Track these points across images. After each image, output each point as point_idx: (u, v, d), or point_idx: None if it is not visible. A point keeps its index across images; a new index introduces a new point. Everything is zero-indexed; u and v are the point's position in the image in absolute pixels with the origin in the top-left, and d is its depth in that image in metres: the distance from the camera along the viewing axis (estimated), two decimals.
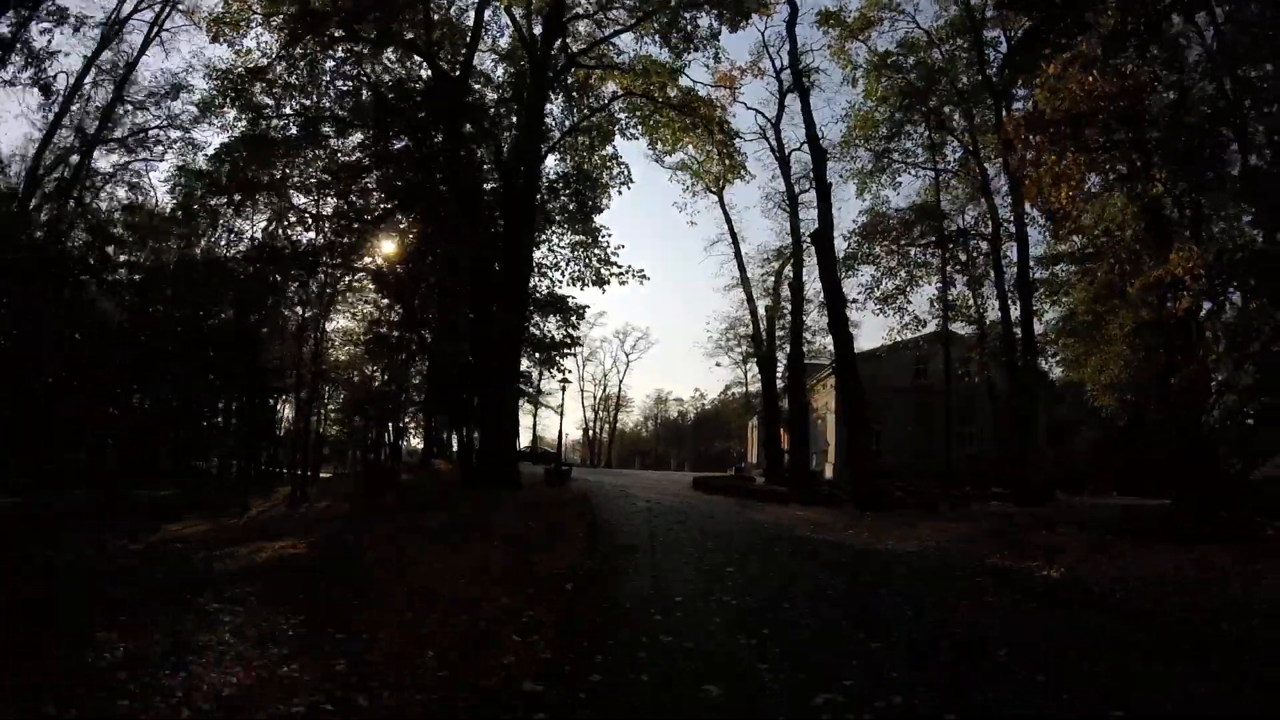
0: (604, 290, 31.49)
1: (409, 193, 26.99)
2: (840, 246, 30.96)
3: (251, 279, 34.59)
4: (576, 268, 31.27)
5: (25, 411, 31.91)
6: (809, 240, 32.09)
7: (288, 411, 59.55)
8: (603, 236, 31.15)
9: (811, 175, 32.02)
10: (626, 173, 31.59)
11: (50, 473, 33.40)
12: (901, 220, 31.91)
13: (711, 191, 41.63)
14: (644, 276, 31.42)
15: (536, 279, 30.94)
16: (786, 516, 20.09)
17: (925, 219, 31.71)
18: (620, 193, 31.85)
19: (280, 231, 30.33)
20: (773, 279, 41.67)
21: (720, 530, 16.28)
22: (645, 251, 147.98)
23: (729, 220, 41.77)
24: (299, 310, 40.60)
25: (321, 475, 55.64)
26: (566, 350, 33.08)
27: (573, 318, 32.31)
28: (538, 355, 33.38)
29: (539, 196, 29.46)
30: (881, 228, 32.00)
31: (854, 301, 35.83)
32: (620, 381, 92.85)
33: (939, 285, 32.25)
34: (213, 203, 32.45)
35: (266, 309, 42.81)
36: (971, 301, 31.80)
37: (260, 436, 54.77)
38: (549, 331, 31.85)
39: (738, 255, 41.42)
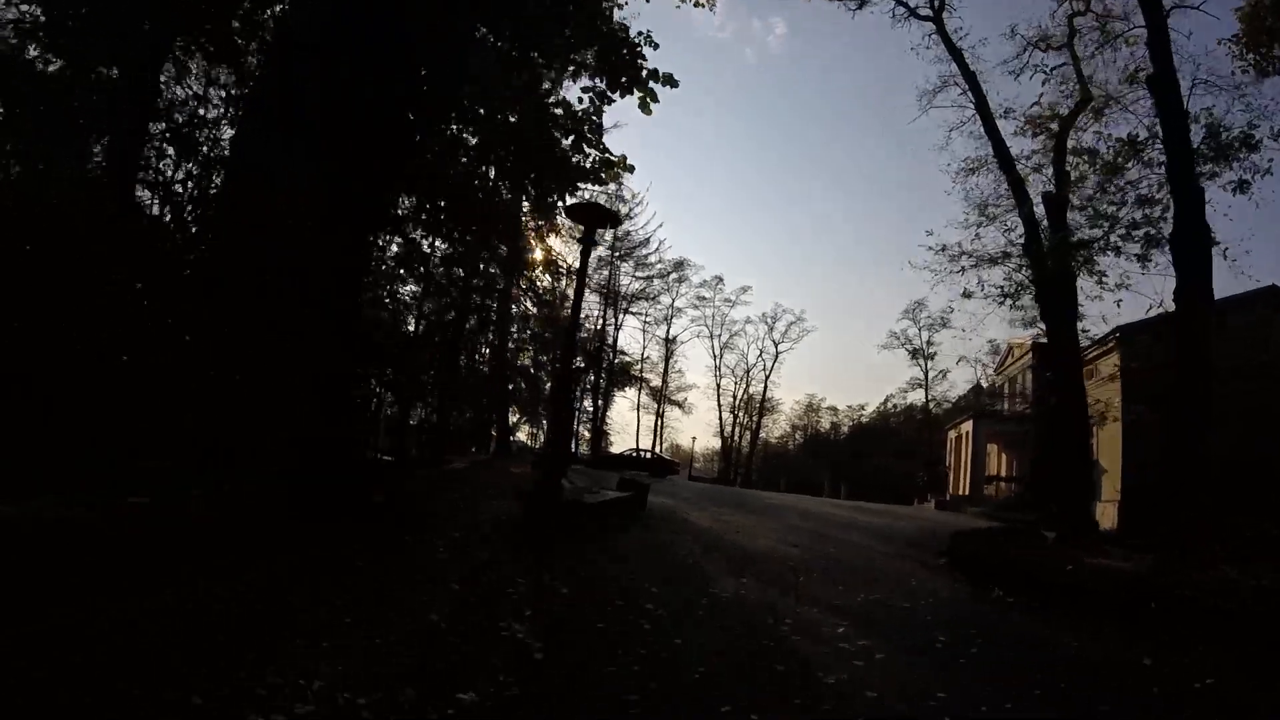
0: None
1: None
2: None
3: None
4: None
5: None
6: None
7: None
8: None
9: None
10: None
11: None
12: None
13: (922, 15, 22.56)
14: None
15: None
16: None
17: None
18: None
19: None
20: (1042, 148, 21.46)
21: None
22: (791, 243, 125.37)
23: (958, 56, 22.31)
24: None
25: None
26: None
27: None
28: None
29: None
30: None
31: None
32: (766, 378, 72.20)
33: None
34: None
35: None
36: None
37: None
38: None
39: (981, 107, 21.50)
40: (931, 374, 66.37)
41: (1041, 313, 20.38)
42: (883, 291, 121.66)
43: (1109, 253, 19.99)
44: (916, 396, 70.15)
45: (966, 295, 21.10)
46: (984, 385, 67.35)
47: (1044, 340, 36.08)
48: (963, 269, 22.25)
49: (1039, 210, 20.24)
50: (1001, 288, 21.61)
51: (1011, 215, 21.24)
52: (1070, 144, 21.13)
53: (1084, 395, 20.05)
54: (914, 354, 63.07)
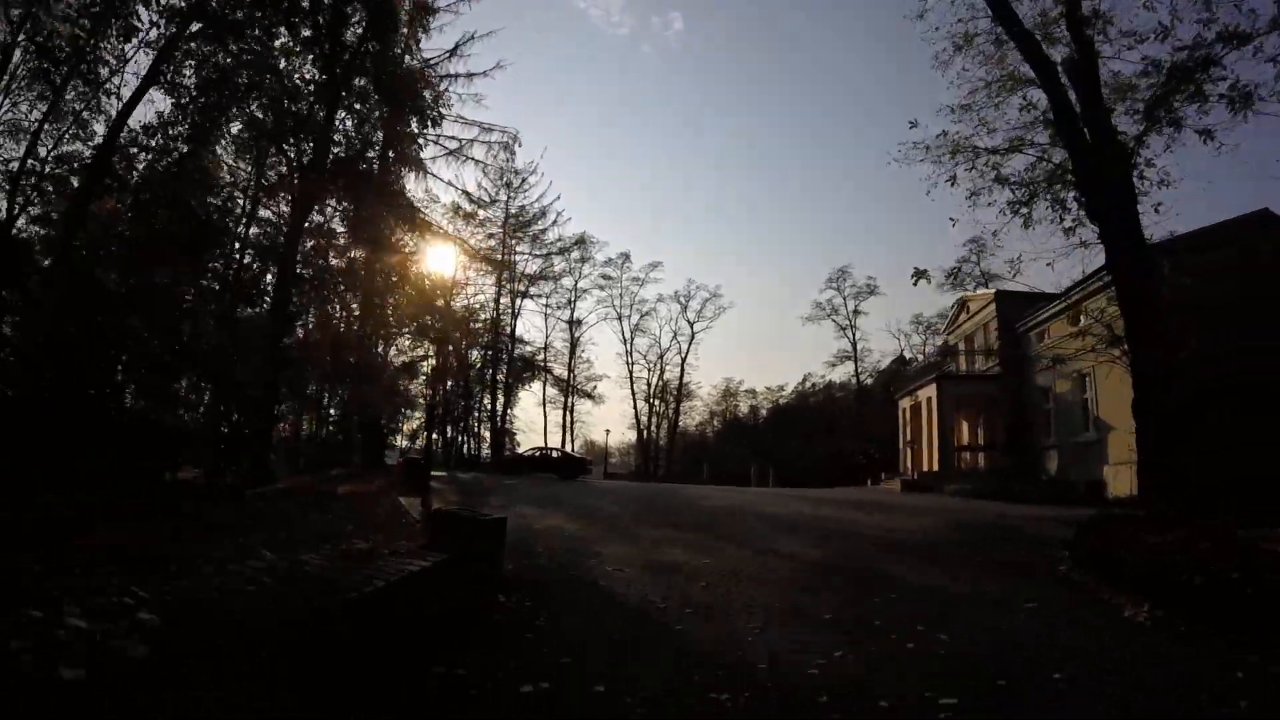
0: None
1: None
2: None
3: None
4: None
5: None
6: None
7: None
8: None
9: None
10: None
11: None
12: None
13: None
14: None
15: None
16: None
17: None
18: None
19: None
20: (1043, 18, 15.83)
21: None
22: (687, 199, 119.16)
23: None
24: None
25: None
26: None
27: None
28: None
29: None
30: None
31: None
32: (683, 361, 65.28)
33: None
34: None
35: None
36: None
37: None
38: None
39: None
40: (859, 345, 61.15)
41: (1089, 213, 14.01)
42: (800, 266, 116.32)
43: (1165, 126, 13.98)
44: (842, 372, 64.78)
45: (1001, 181, 14.55)
46: (907, 356, 62.96)
47: (1010, 290, 30.15)
48: (971, 165, 15.68)
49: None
50: (1014, 193, 15.20)
51: (1029, 90, 15.08)
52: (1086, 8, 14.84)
53: (1162, 320, 13.57)
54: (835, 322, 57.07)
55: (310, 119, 19.74)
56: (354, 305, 25.06)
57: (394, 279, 23.78)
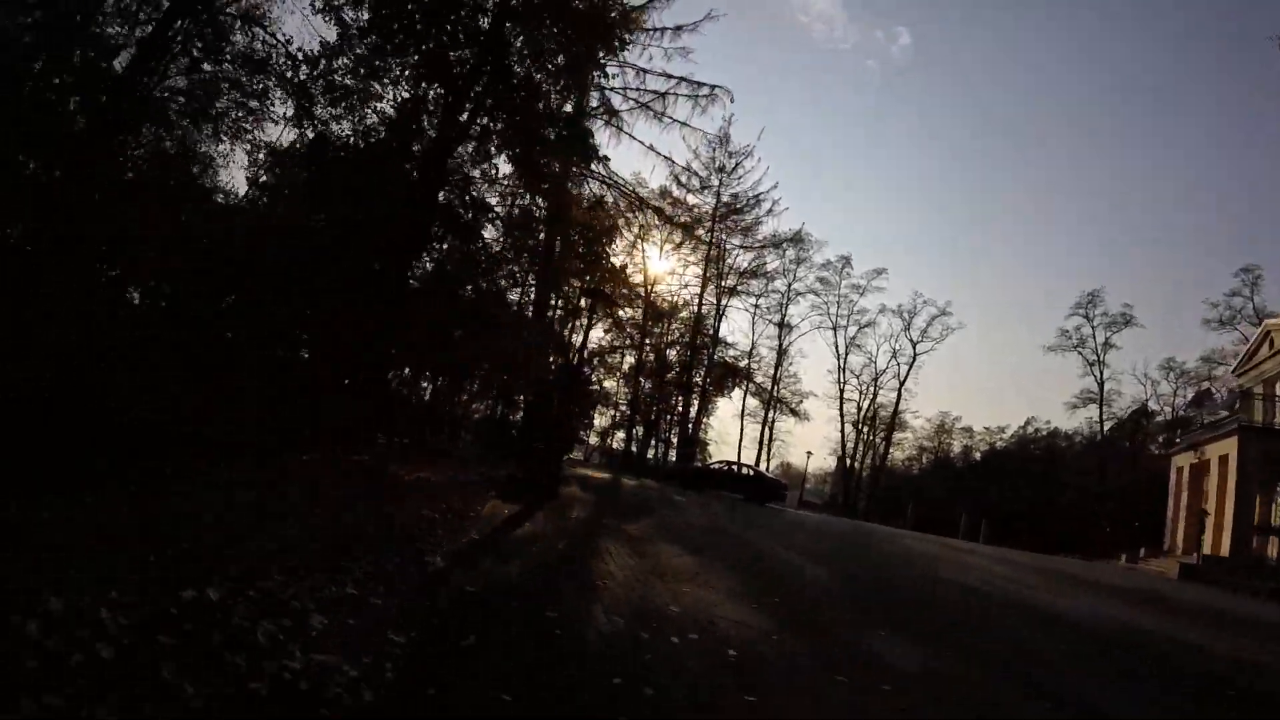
0: None
1: None
2: None
3: None
4: None
5: None
6: None
7: None
8: None
9: None
10: None
11: None
12: None
13: None
14: None
15: None
16: None
17: None
18: None
19: None
20: None
21: None
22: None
23: None
24: None
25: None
26: None
27: None
28: None
29: None
30: None
31: None
32: (901, 384, 58.54)
33: None
34: None
35: None
36: None
37: None
38: None
39: None
40: (1106, 386, 52.15)
41: None
42: (1034, 299, 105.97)
43: None
44: (1081, 417, 55.47)
45: None
46: (1151, 407, 53.18)
47: None
48: None
49: None
50: None
51: None
52: None
53: None
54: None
55: (475, 29, 16.70)
56: (508, 250, 21.76)
57: (573, 238, 20.42)
